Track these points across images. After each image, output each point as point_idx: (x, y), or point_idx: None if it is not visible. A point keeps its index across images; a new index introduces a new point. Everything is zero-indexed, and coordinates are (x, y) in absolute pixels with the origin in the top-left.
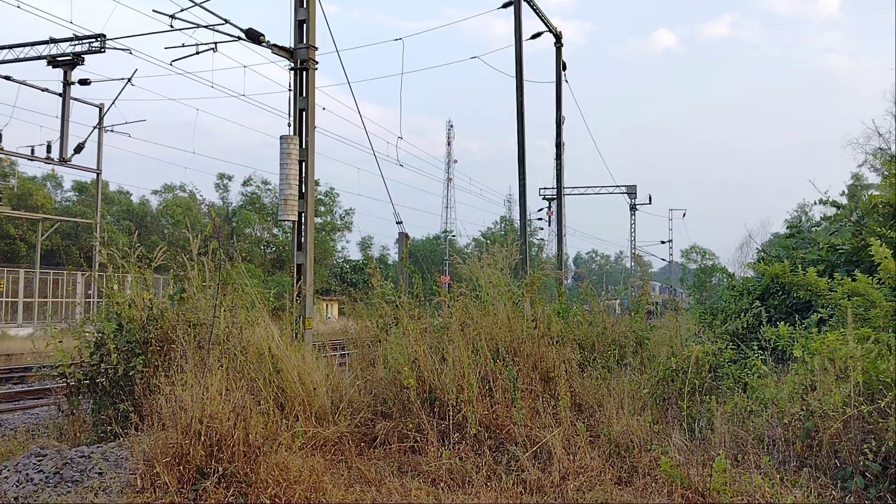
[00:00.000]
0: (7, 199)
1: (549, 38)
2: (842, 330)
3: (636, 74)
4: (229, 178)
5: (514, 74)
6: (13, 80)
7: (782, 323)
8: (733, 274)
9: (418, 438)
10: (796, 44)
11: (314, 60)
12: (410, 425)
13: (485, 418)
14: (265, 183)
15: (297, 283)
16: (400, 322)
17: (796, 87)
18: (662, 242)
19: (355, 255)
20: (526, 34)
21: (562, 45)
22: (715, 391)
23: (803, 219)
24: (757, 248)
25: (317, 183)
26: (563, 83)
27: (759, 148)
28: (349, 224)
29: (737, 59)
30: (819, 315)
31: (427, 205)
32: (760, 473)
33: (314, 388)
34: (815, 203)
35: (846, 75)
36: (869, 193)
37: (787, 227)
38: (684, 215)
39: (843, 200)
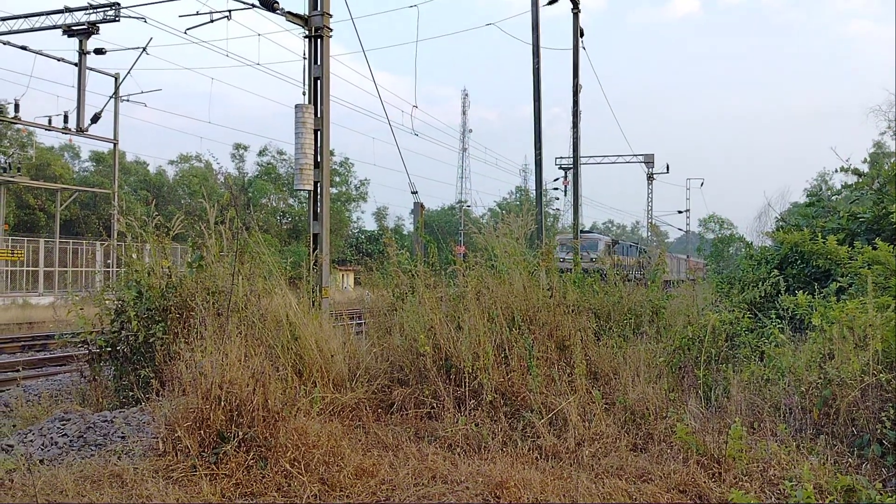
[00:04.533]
0: (26, 169)
1: (566, 4)
2: (861, 298)
3: (655, 42)
4: (245, 149)
5: (530, 41)
6: (29, 51)
7: (801, 292)
8: (751, 243)
9: (434, 405)
10: (820, 9)
11: (329, 28)
12: (427, 392)
13: (500, 385)
14: (280, 153)
15: (314, 252)
16: (416, 291)
17: (819, 53)
18: (679, 212)
19: (370, 225)
20: (543, 0)
21: (579, 12)
22: (731, 360)
23: (823, 187)
24: (776, 217)
25: (332, 153)
26: (581, 50)
27: (780, 116)
28: (364, 194)
29: (758, 25)
30: (838, 284)
31: (442, 175)
32: (776, 441)
33: (331, 356)
34: (836, 171)
35: (870, 41)
36: (891, 161)
37: (807, 196)
38: (702, 184)
39: (865, 168)
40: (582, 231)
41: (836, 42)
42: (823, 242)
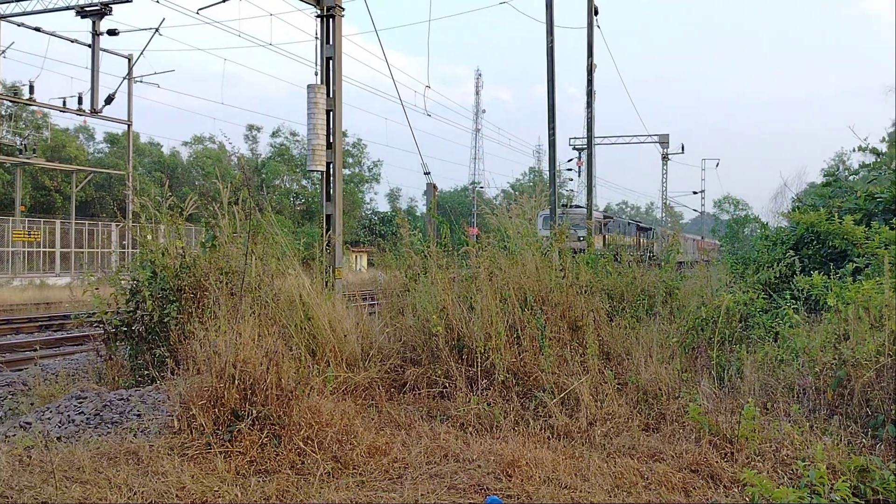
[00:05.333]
0: (41, 150)
1: None
2: (878, 279)
3: (671, 20)
4: (258, 130)
5: (544, 20)
6: (43, 32)
7: (816, 272)
8: (767, 224)
9: (447, 384)
10: None
11: (341, 7)
12: (439, 371)
13: (512, 365)
14: (293, 134)
15: (327, 233)
16: (428, 271)
17: (837, 30)
18: (695, 193)
19: (383, 206)
20: None
21: None
22: (745, 341)
23: (841, 167)
24: (792, 198)
25: (344, 134)
26: (595, 29)
27: (797, 95)
28: (377, 176)
29: (776, 2)
30: (854, 264)
31: (455, 156)
32: (790, 421)
33: (344, 336)
34: (854, 151)
35: (888, 18)
36: None
37: (824, 176)
38: (717, 165)
39: (883, 148)
40: (564, 206)
41: (854, 19)
42: (840, 223)
